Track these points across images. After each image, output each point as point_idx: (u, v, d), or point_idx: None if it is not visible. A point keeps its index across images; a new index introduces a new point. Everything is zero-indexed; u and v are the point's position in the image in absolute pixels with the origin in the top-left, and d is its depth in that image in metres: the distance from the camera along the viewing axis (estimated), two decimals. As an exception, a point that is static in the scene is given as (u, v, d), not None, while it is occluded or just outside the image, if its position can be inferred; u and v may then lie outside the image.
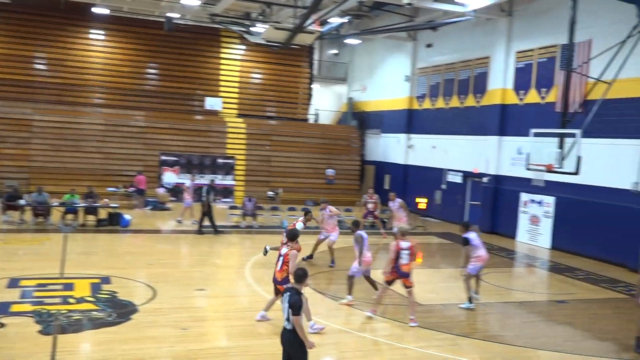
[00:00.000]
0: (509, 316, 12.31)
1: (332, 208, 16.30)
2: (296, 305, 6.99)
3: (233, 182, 29.20)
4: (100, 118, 28.18)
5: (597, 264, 18.16)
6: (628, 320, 12.09)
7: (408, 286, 11.12)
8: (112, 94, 29.87)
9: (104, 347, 9.01)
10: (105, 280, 12.97)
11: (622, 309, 13.13)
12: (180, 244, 18.47)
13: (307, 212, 15.05)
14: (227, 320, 10.99)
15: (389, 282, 11.22)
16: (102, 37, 30.07)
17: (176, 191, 28.18)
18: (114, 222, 20.07)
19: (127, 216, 20.60)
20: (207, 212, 19.64)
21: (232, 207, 23.12)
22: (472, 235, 12.48)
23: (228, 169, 29.32)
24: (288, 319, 7.07)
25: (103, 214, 20.50)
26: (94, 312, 10.63)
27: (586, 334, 11.28)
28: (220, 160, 29.33)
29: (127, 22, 29.83)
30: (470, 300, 12.46)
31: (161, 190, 26.85)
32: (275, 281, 10.31)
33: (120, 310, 10.81)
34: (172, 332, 9.86)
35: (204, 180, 27.16)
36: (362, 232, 12.45)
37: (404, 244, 10.98)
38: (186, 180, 23.98)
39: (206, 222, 19.71)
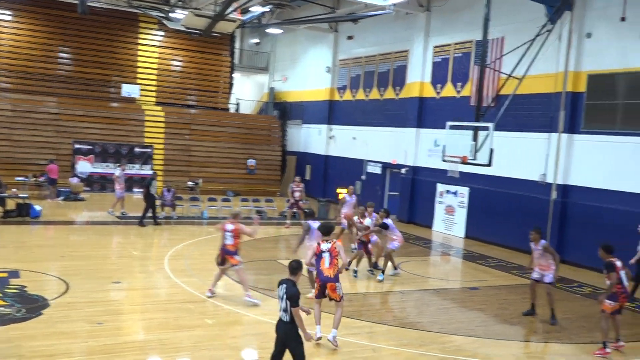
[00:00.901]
0: (425, 303, 12.70)
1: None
2: (294, 297, 7.11)
3: (151, 172, 28.45)
4: (7, 103, 26.72)
5: (508, 251, 19.00)
6: (538, 305, 12.71)
7: (233, 264, 11.54)
8: (21, 79, 28.35)
9: (12, 345, 8.59)
10: (14, 274, 12.36)
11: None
12: (95, 236, 17.83)
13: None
14: (144, 314, 10.76)
15: (221, 262, 11.70)
16: (9, 18, 28.49)
17: (90, 181, 27.25)
18: (23, 213, 19.14)
19: (37, 207, 19.71)
20: (152, 204, 19.46)
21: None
22: (389, 221, 14.44)
23: (146, 159, 28.55)
24: (285, 311, 7.13)
25: (11, 204, 19.51)
26: (1, 308, 10.11)
27: (497, 319, 11.80)
28: (137, 149, 28.53)
29: (36, 3, 28.40)
30: (395, 267, 14.56)
31: (75, 180, 25.83)
32: (326, 280, 9.39)
33: (30, 305, 10.35)
34: (86, 327, 9.54)
35: (146, 171, 26.53)
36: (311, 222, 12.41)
37: (229, 226, 11.50)
38: (116, 170, 23.13)
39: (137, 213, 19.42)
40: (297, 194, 21.23)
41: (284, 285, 7.29)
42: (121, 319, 10.37)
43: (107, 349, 8.71)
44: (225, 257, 11.68)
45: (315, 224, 12.21)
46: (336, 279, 9.41)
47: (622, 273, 9.91)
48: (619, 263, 9.93)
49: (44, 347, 8.56)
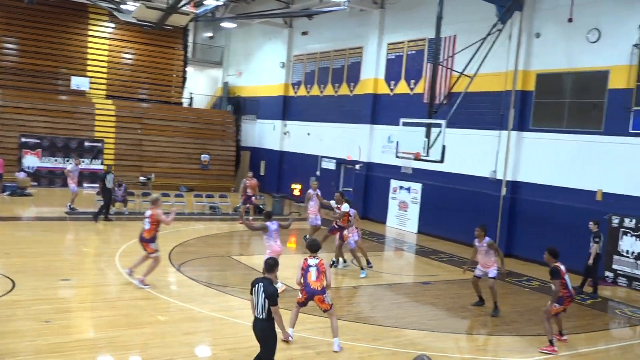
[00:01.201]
0: (379, 298, 12.82)
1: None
2: (274, 296, 7.17)
3: (101, 167, 27.84)
4: (-51, 95, 25.73)
5: (459, 246, 19.32)
6: (485, 298, 13.00)
7: (149, 252, 11.99)
8: (-36, 69, 27.35)
9: (-46, 345, 8.30)
10: (-44, 272, 11.94)
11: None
12: (43, 232, 17.33)
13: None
14: (94, 311, 10.53)
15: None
16: (-48, 6, 27.42)
17: (38, 176, 26.49)
18: (-34, 209, 18.47)
19: (-19, 202, 19.05)
20: (109, 199, 19.32)
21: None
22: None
23: (96, 153, 27.90)
24: (262, 309, 7.18)
25: (-47, 200, 18.82)
26: (-57, 307, 9.75)
27: (448, 312, 12.02)
28: (87, 144, 27.84)
29: (-19, -8, 27.41)
30: (345, 261, 14.93)
31: (21, 175, 25.05)
32: (314, 292, 9.28)
33: (-26, 304, 10.01)
34: (33, 326, 9.28)
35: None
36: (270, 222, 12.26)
37: (147, 212, 12.03)
38: (68, 165, 22.47)
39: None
40: (249, 190, 21.11)
41: (261, 284, 7.28)
42: (70, 317, 10.13)
43: (55, 347, 8.49)
44: (141, 244, 12.01)
45: (273, 225, 12.16)
46: (323, 291, 9.35)
47: (567, 277, 10.00)
48: (563, 267, 9.99)
49: (-11, 347, 8.30)
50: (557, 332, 10.41)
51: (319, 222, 16.98)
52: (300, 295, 9.49)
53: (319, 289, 9.32)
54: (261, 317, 7.25)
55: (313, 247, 9.77)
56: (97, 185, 25.65)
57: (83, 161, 26.82)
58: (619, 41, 15.98)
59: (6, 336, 8.74)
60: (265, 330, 7.26)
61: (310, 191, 17.39)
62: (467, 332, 11.05)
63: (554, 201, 17.29)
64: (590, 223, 14.26)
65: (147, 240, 11.88)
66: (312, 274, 9.33)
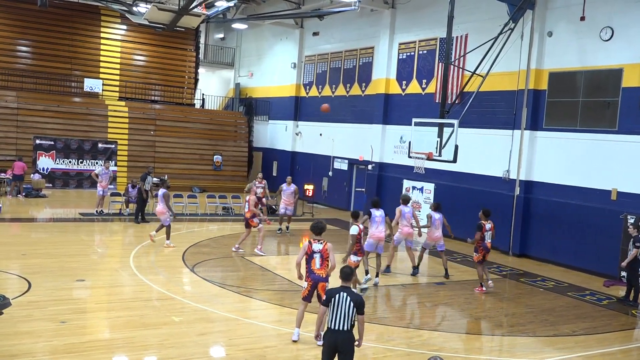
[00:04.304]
0: (392, 298, 12.82)
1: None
2: (363, 305, 6.99)
3: (115, 168, 27.97)
4: (-35, 98, 25.98)
5: (473, 247, 19.22)
6: (499, 299, 13.00)
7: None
8: (-21, 73, 27.62)
9: (-28, 345, 8.40)
10: (-27, 273, 12.07)
11: (494, 288, 14.04)
12: (58, 233, 17.48)
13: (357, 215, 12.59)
14: (109, 312, 10.61)
15: None
16: (-33, 10, 27.70)
17: (52, 177, 26.70)
18: (-18, 211, 18.67)
19: (-4, 204, 19.25)
20: (145, 200, 19.72)
21: (114, 194, 22.20)
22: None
23: (110, 155, 28.09)
24: (348, 320, 6.89)
25: (-31, 201, 19.02)
26: (-39, 308, 9.85)
27: (462, 313, 11.98)
28: (101, 145, 28.02)
29: (-5, -5, 27.67)
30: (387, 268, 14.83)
31: (36, 177, 25.27)
32: (318, 279, 9.19)
33: (-9, 305, 10.10)
34: (49, 326, 9.37)
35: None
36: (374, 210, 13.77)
37: None
38: (97, 167, 22.58)
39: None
40: (258, 191, 21.27)
41: (344, 294, 6.97)
42: (86, 318, 10.21)
43: (71, 348, 8.56)
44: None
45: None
46: (326, 279, 9.28)
47: (487, 234, 13.46)
48: (488, 226, 13.55)
49: (6, 347, 8.37)
50: (486, 282, 13.45)
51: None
52: (305, 285, 9.39)
53: (323, 276, 9.25)
54: (346, 328, 6.90)
55: (317, 229, 9.42)
56: (111, 186, 25.88)
57: (97, 162, 26.94)
58: (632, 39, 15.85)
59: (23, 336, 8.83)
60: (350, 341, 6.93)
61: (283, 185, 19.64)
62: (482, 333, 11.01)
63: (568, 201, 17.17)
64: (630, 227, 14.01)
65: None
66: (317, 261, 9.22)
